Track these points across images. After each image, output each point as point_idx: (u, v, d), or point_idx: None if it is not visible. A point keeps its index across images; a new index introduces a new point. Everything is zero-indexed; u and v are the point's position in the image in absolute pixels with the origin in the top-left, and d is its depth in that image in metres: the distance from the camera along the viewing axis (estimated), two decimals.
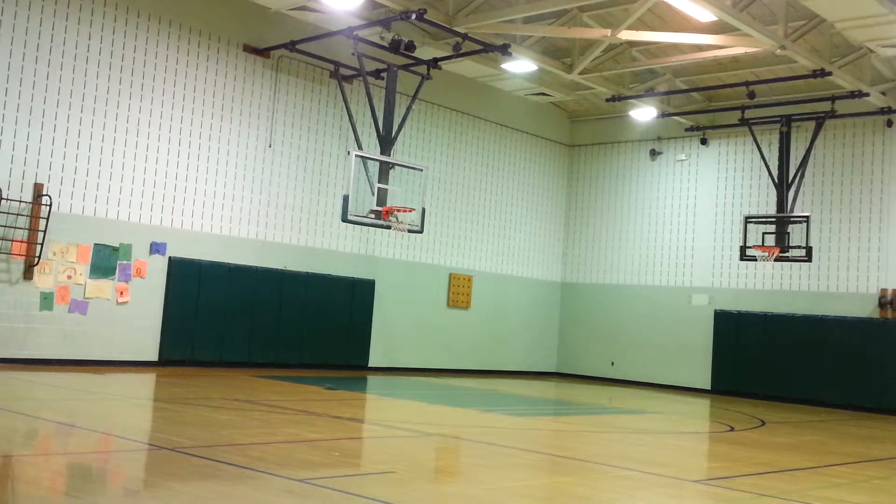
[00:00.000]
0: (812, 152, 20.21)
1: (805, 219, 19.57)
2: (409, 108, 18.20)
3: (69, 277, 15.62)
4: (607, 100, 21.47)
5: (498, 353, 23.19)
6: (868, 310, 19.97)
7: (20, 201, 15.02)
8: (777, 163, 20.29)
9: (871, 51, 17.55)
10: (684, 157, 23.29)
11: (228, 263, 17.74)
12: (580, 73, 19.65)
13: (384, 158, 17.17)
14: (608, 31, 17.11)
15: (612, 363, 23.70)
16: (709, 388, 21.84)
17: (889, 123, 20.14)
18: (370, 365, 20.12)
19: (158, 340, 16.75)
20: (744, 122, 20.84)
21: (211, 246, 17.53)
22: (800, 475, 9.22)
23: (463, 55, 17.82)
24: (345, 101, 18.29)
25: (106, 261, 16.10)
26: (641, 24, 17.52)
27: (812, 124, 20.25)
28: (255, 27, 18.14)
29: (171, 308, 16.87)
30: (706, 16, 15.79)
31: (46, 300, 15.33)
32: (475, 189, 22.74)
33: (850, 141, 20.77)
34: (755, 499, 7.59)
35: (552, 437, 11.91)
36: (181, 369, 16.58)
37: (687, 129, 22.79)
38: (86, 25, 15.94)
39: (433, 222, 21.04)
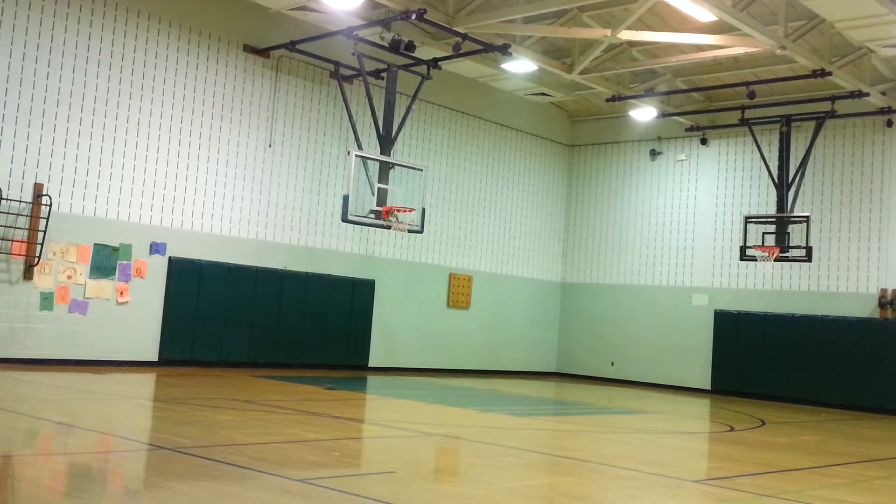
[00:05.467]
0: (812, 152, 20.21)
1: (805, 219, 19.57)
2: (409, 108, 18.20)
3: (69, 277, 15.63)
4: (607, 100, 21.47)
5: (498, 353, 23.19)
6: (868, 310, 19.97)
7: (20, 201, 15.03)
8: (777, 163, 20.29)
9: (871, 51, 17.54)
10: (684, 157, 23.29)
11: (228, 263, 17.74)
12: (580, 73, 19.65)
13: (384, 158, 17.17)
14: (608, 31, 17.11)
15: (612, 363, 23.70)
16: (709, 388, 21.84)
17: (889, 123, 20.14)
18: (370, 365, 20.12)
19: (158, 340, 16.76)
20: (744, 122, 20.84)
21: (211, 246, 17.53)
22: (800, 475, 9.22)
23: (463, 55, 17.82)
24: (345, 101, 18.29)
25: (106, 261, 16.10)
26: (641, 24, 17.52)
27: (812, 124, 20.25)
28: (255, 27, 18.14)
29: (171, 308, 16.87)
30: (706, 16, 15.80)
31: (46, 300, 15.33)
32: (475, 189, 22.74)
33: (850, 141, 20.77)
34: (755, 499, 7.59)
35: (552, 437, 11.91)
36: (181, 369, 16.58)
37: (687, 129, 22.79)
38: (86, 25, 15.94)
39: (433, 222, 21.04)
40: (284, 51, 18.19)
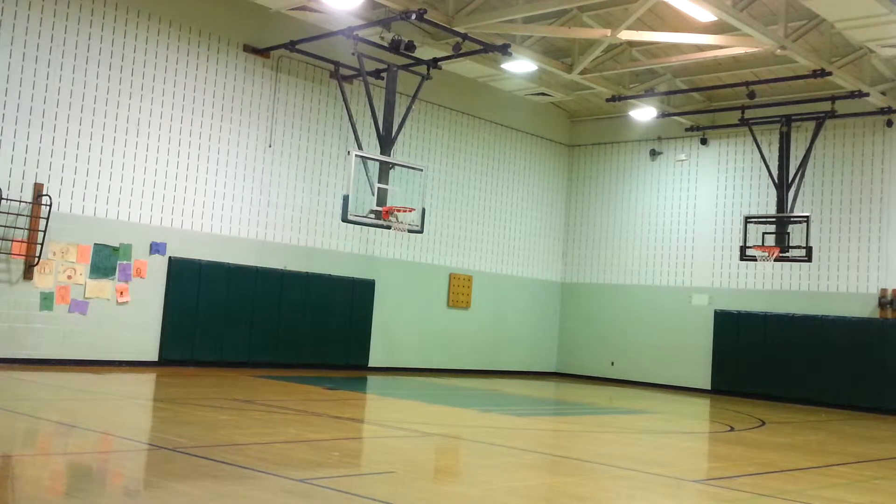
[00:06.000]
0: (812, 152, 20.21)
1: (805, 219, 19.57)
2: (409, 108, 18.20)
3: (69, 277, 15.63)
4: (607, 100, 21.47)
5: (498, 353, 23.19)
6: (868, 310, 19.97)
7: (20, 201, 15.03)
8: (777, 163, 20.29)
9: (871, 51, 17.54)
10: (684, 157, 23.29)
11: (228, 263, 17.74)
12: (580, 73, 19.65)
13: (384, 158, 17.17)
14: (608, 31, 17.11)
15: (612, 363, 23.70)
16: (709, 388, 21.84)
17: (889, 123, 20.14)
18: (370, 365, 20.12)
19: (158, 340, 16.76)
20: (744, 122, 20.85)
21: (211, 246, 17.53)
22: (800, 475, 9.22)
23: (463, 55, 17.82)
24: (345, 101, 18.29)
25: (106, 261, 16.10)
26: (641, 24, 17.52)
27: (812, 124, 20.25)
28: (255, 27, 18.14)
29: (171, 308, 16.87)
30: (706, 16, 15.79)
31: (46, 300, 15.33)
32: (475, 189, 22.74)
33: (850, 141, 20.77)
34: (755, 499, 7.59)
35: (552, 437, 11.91)
36: (181, 369, 16.58)
37: (687, 129, 22.79)
38: (86, 25, 15.95)
39: (433, 222, 21.04)
40: (284, 51, 18.19)
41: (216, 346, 17.53)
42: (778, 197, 20.14)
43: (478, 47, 17.44)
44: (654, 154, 23.79)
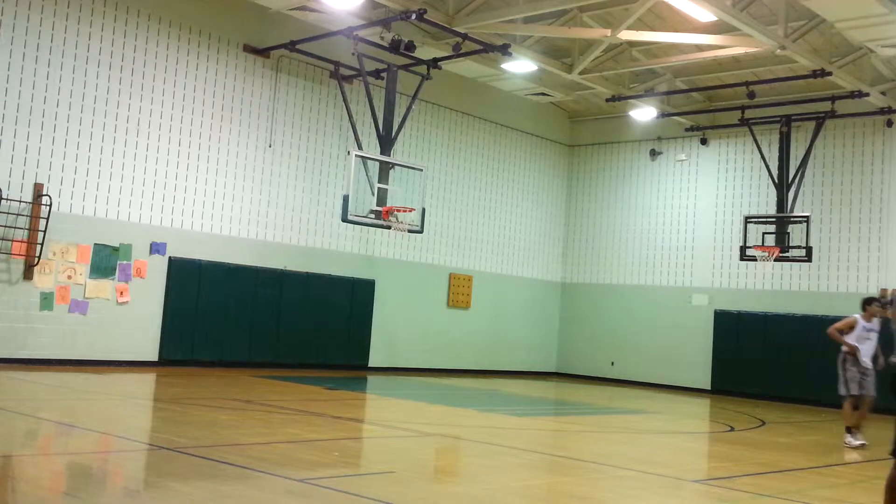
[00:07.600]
0: (812, 152, 20.20)
1: (805, 219, 19.56)
2: (409, 108, 18.20)
3: (69, 277, 15.62)
4: (607, 100, 21.46)
5: (498, 353, 23.18)
6: None
7: (20, 201, 15.02)
8: (777, 163, 20.29)
9: (871, 51, 17.54)
10: (684, 157, 23.29)
11: (228, 263, 17.74)
12: (580, 73, 19.64)
13: (384, 158, 17.17)
14: (608, 31, 17.11)
15: (612, 363, 23.69)
16: (709, 388, 21.83)
17: (889, 123, 20.13)
18: (370, 365, 20.12)
19: (158, 340, 16.75)
20: (744, 122, 20.83)
21: (211, 246, 17.53)
22: (800, 475, 9.23)
23: (463, 55, 17.81)
24: (345, 101, 18.29)
25: (106, 261, 16.10)
26: (641, 24, 17.52)
27: (812, 124, 20.23)
28: (255, 27, 18.13)
29: (171, 308, 16.87)
30: (706, 16, 15.80)
31: (46, 300, 15.33)
32: (475, 189, 22.74)
33: (850, 141, 20.77)
34: (755, 499, 7.59)
35: (552, 437, 11.91)
36: (181, 369, 16.58)
37: (687, 129, 22.78)
38: (86, 25, 15.94)
39: (433, 222, 21.02)
40: (284, 51, 18.18)
41: (216, 346, 17.52)
42: (778, 197, 20.13)
43: (478, 47, 17.43)
44: (654, 154, 23.79)
